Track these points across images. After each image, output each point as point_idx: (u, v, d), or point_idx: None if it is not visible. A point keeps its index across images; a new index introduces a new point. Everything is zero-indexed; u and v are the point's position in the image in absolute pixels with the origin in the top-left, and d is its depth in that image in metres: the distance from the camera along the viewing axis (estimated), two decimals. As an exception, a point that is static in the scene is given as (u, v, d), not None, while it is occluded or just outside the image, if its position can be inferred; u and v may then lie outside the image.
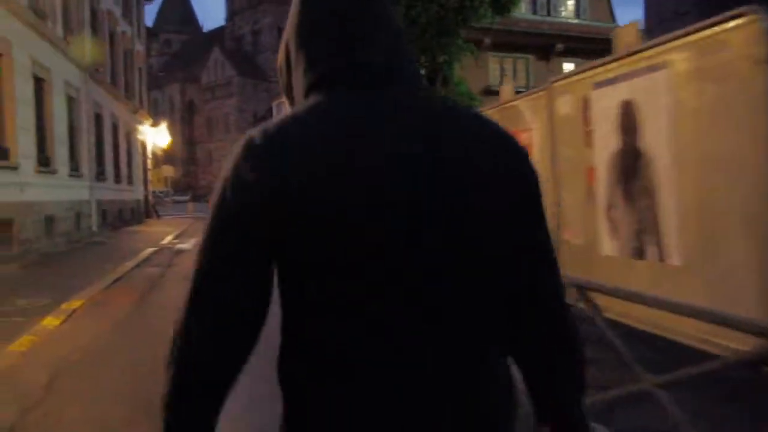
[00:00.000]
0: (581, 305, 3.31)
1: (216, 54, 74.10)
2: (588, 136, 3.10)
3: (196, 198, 53.76)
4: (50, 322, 6.34)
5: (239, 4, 78.19)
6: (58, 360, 5.07)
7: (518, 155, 0.91)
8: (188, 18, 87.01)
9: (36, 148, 12.38)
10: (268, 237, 0.82)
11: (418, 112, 0.88)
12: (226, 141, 71.24)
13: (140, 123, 25.14)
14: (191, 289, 0.84)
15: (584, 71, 3.12)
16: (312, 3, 0.95)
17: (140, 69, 25.69)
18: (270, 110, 57.70)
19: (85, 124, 16.38)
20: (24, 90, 11.74)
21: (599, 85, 2.97)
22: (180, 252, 13.42)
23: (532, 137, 3.85)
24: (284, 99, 1.04)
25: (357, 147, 0.82)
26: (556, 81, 3.39)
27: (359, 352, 0.82)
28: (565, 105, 3.25)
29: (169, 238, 16.48)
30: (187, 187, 68.55)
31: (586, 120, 3.09)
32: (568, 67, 26.55)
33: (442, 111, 0.90)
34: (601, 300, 3.08)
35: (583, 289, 3.17)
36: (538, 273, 0.91)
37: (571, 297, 3.40)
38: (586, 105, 3.08)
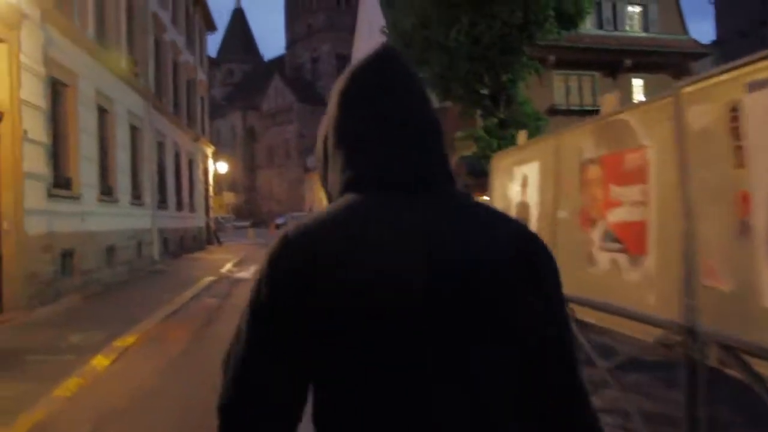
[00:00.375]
0: (729, 370, 2.59)
1: (276, 81, 75.55)
2: (739, 154, 2.39)
3: (256, 224, 54.61)
4: (100, 361, 5.98)
5: (298, 32, 79.98)
6: (104, 407, 4.68)
7: (537, 252, 0.92)
8: (249, 48, 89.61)
9: (98, 177, 12.40)
10: (301, 322, 0.86)
11: (446, 218, 0.90)
12: (286, 167, 72.17)
13: (202, 151, 25.48)
14: (231, 375, 0.90)
15: (731, 70, 2.42)
16: (353, 105, 0.96)
17: (202, 98, 26.15)
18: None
19: (148, 153, 16.50)
20: (88, 120, 11.78)
21: (756, 85, 2.28)
22: (238, 281, 13.15)
23: (646, 156, 3.15)
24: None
25: (381, 247, 0.86)
26: (686, 85, 2.69)
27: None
28: (701, 115, 2.55)
29: (228, 266, 16.35)
30: (249, 213, 69.45)
31: (737, 133, 2.39)
32: (637, 83, 25.32)
33: (470, 214, 0.92)
34: (760, 366, 2.36)
35: (734, 350, 2.45)
36: (562, 376, 0.91)
37: (713, 359, 2.67)
38: (735, 113, 2.38)
